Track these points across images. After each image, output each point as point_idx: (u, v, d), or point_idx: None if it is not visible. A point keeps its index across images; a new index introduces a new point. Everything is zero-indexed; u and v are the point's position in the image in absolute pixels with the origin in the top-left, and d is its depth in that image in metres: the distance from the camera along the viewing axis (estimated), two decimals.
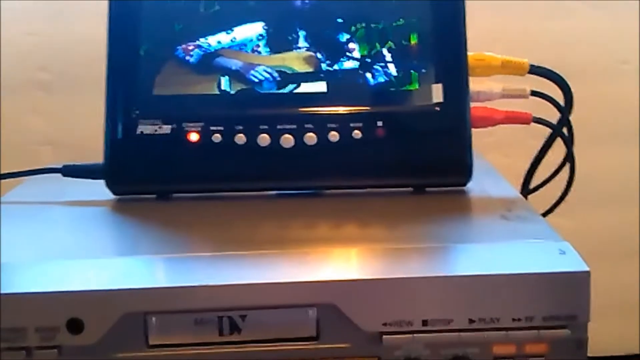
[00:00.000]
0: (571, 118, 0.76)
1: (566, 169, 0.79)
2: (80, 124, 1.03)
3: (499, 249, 0.54)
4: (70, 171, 0.70)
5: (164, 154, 0.67)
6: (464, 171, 0.68)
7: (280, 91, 0.68)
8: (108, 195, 0.68)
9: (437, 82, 0.67)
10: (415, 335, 0.50)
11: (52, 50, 1.05)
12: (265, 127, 0.67)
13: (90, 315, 0.49)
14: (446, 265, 0.52)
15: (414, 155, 0.67)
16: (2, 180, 0.73)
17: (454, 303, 0.49)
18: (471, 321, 0.50)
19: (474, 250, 0.54)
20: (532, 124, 0.73)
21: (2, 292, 0.48)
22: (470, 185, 0.68)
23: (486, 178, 0.72)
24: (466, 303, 0.49)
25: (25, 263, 0.52)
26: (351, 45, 0.68)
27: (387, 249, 0.54)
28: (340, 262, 0.53)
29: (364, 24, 0.69)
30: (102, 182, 0.68)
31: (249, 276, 0.50)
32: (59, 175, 0.71)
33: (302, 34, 0.69)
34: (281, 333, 0.50)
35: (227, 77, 0.68)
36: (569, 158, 0.77)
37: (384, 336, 0.50)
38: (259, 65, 0.68)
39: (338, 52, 0.69)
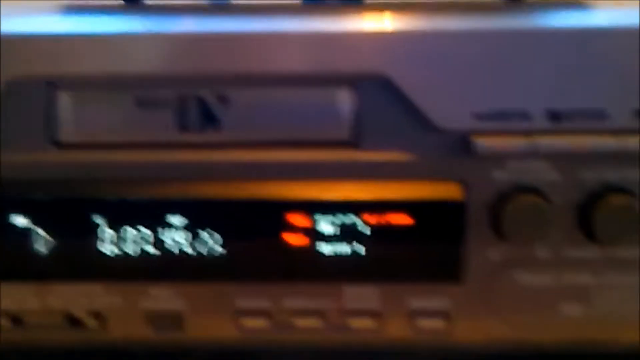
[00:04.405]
0: None
1: None
2: None
3: None
4: None
5: None
6: None
7: None
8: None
9: None
10: (535, 140, 0.28)
11: None
12: None
13: None
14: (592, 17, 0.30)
15: None
16: None
17: (610, 80, 0.27)
18: None
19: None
20: None
21: None
22: None
23: None
24: (634, 81, 0.26)
25: None
26: None
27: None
28: (394, 18, 0.31)
29: None
30: None
31: (237, 26, 0.28)
32: None
33: None
34: (289, 131, 0.29)
35: None
36: None
37: (477, 139, 0.28)
38: None
39: None
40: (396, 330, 0.30)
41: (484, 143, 0.27)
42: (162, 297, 0.30)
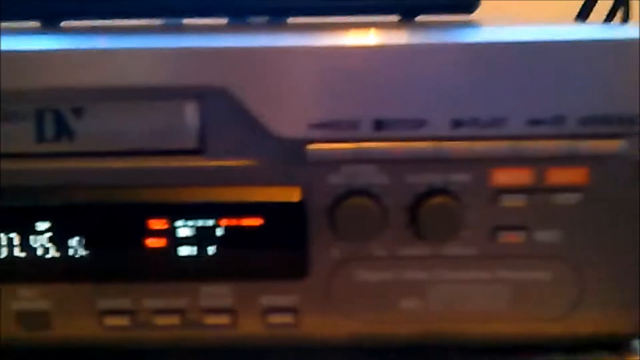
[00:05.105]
0: None
1: None
2: None
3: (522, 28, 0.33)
4: None
5: None
6: None
7: None
8: None
9: None
10: (362, 146, 0.30)
11: None
12: None
13: None
14: (426, 35, 0.32)
15: None
16: None
17: (429, 92, 0.29)
18: (457, 124, 0.30)
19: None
20: None
21: None
22: (477, 16, 0.48)
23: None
24: (449, 93, 0.29)
25: None
26: None
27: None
28: (245, 33, 0.33)
29: None
30: None
31: (101, 43, 0.31)
32: None
33: None
34: (141, 140, 0.31)
35: None
36: None
37: (310, 147, 0.30)
38: None
39: None
40: (249, 326, 0.32)
41: (317, 150, 0.30)
42: (30, 298, 0.32)
